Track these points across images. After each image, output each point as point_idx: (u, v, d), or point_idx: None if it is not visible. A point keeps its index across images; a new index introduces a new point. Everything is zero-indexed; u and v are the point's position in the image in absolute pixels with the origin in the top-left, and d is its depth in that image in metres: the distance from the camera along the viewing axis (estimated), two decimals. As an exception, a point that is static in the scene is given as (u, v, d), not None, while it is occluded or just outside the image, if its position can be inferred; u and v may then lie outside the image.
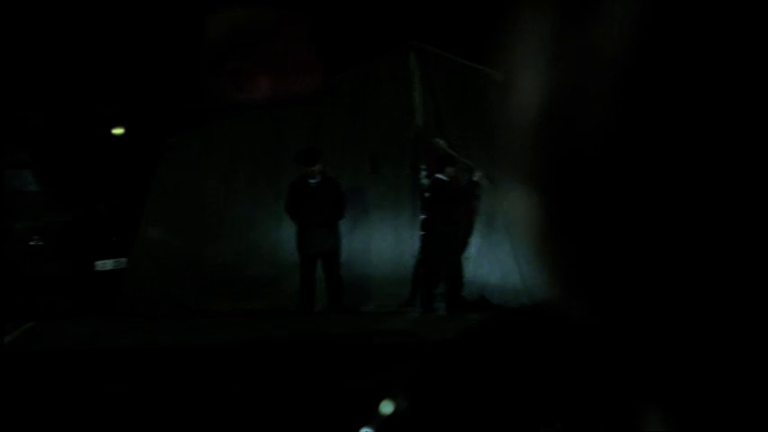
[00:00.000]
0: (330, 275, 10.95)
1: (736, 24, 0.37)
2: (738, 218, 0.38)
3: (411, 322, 10.12)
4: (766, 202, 0.37)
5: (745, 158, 0.37)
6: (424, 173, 11.80)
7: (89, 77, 12.06)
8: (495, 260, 11.02)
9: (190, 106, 11.14)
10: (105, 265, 12.43)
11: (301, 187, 10.91)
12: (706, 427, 0.41)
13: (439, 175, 11.01)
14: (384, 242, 11.50)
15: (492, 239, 11.06)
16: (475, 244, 11.22)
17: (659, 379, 0.41)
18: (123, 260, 12.06)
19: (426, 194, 11.23)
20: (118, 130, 16.28)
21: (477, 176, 10.93)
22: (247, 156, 11.67)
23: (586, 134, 0.40)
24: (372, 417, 0.90)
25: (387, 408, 0.91)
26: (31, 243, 11.96)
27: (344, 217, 11.09)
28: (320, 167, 10.87)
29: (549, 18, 0.41)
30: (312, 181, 10.92)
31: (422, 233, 11.18)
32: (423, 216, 11.36)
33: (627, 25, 0.38)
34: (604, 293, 0.41)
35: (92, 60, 12.13)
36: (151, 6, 11.06)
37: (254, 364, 6.56)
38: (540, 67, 0.41)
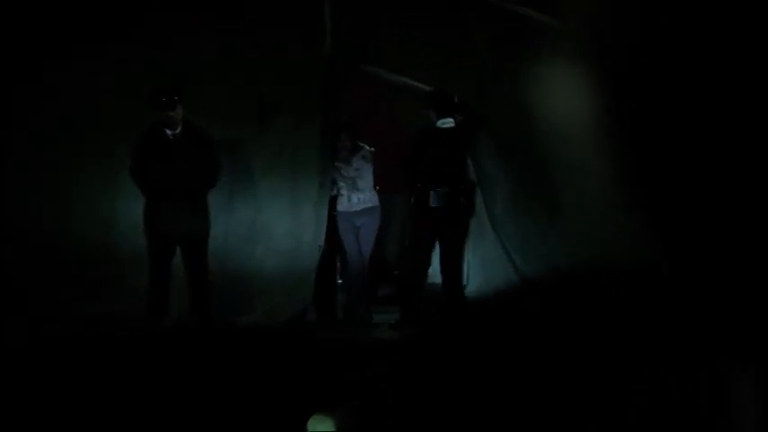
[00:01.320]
0: (193, 270, 7.39)
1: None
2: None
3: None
4: None
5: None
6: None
7: None
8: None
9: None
10: None
11: (154, 140, 7.32)
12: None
13: (443, 121, 7.72)
14: (276, 224, 8.01)
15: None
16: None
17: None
18: None
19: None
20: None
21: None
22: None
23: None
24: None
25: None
26: None
27: (216, 186, 7.52)
28: (180, 112, 7.29)
29: None
30: (170, 132, 7.34)
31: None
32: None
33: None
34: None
35: None
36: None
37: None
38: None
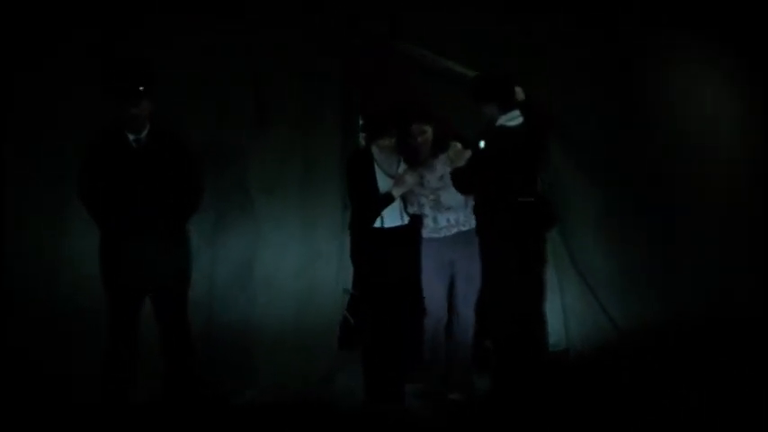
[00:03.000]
0: (168, 328, 5.43)
1: None
2: None
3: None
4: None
5: None
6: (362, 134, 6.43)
7: None
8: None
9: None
10: None
11: (110, 149, 5.32)
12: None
13: (504, 119, 5.66)
14: (282, 261, 6.10)
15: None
16: None
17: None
18: None
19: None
20: None
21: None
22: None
23: None
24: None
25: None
26: None
27: (199, 211, 5.51)
28: (148, 108, 5.30)
29: None
30: (132, 137, 5.31)
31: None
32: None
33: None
34: None
35: None
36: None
37: None
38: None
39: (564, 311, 6.39)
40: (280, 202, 6.11)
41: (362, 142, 6.68)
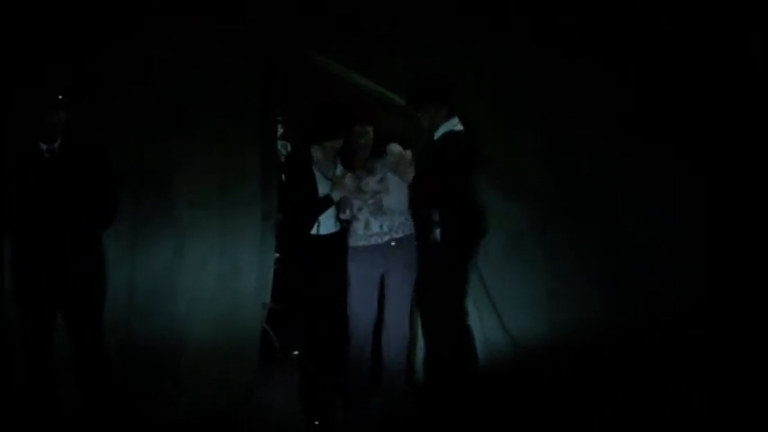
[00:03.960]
0: (83, 345, 5.18)
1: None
2: None
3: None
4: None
5: None
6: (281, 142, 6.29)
7: None
8: None
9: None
10: None
11: (25, 159, 5.09)
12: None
13: (447, 126, 5.48)
14: (203, 274, 5.80)
15: None
16: None
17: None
18: None
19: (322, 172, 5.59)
20: None
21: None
22: None
23: None
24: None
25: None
26: None
27: (115, 222, 5.25)
28: (64, 118, 5.10)
29: None
30: (47, 146, 5.07)
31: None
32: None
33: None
34: None
35: None
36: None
37: None
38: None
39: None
40: (200, 214, 5.77)
41: (283, 150, 6.53)
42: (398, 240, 5.48)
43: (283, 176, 5.62)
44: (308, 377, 5.57)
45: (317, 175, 5.52)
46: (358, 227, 5.53)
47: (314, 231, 5.48)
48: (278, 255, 6.02)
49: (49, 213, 5.03)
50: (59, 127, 5.10)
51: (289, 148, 6.61)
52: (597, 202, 5.88)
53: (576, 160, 5.89)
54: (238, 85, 5.90)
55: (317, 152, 5.53)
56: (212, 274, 5.78)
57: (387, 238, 5.49)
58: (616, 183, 5.86)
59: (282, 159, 6.35)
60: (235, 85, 5.89)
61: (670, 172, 5.78)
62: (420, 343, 5.75)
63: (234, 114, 5.90)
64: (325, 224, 5.52)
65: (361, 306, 5.52)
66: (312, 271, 5.47)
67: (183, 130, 5.82)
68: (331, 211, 5.52)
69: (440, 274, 5.42)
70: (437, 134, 5.48)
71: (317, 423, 5.51)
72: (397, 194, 5.50)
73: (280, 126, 6.37)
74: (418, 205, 5.55)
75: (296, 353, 6.03)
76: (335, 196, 5.48)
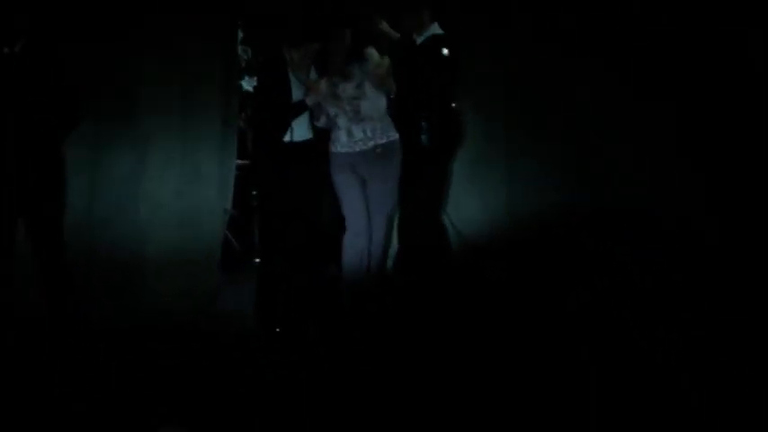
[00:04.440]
0: (45, 255, 5.03)
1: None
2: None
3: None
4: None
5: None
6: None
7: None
8: None
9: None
10: None
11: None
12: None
13: (431, 30, 5.59)
14: (164, 180, 5.74)
15: None
16: None
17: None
18: None
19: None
20: None
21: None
22: None
23: None
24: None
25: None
26: None
27: (79, 125, 5.08)
28: (27, 20, 4.89)
29: None
30: (6, 48, 4.86)
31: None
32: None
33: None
34: None
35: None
36: None
37: None
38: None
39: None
40: (160, 121, 5.67)
41: (245, 55, 6.39)
42: (383, 147, 5.41)
43: (248, 81, 5.47)
44: (271, 284, 5.54)
45: (291, 79, 5.38)
46: (341, 134, 5.43)
47: (287, 138, 5.37)
48: (244, 162, 5.93)
49: (7, 115, 4.87)
50: (21, 29, 4.92)
51: (249, 53, 6.48)
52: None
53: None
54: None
55: (292, 55, 5.38)
56: (174, 181, 5.74)
57: (371, 144, 5.40)
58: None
59: (243, 64, 6.24)
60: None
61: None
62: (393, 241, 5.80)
63: (191, 18, 5.78)
64: (299, 131, 5.41)
65: (350, 208, 5.47)
66: (285, 178, 5.38)
67: (140, 36, 5.68)
68: (304, 118, 5.41)
69: (429, 178, 5.51)
70: (421, 38, 5.46)
71: (277, 330, 5.50)
72: (373, 100, 5.40)
73: (240, 31, 6.23)
74: (407, 110, 5.52)
75: (257, 260, 5.99)
76: (310, 101, 5.37)
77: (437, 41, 5.45)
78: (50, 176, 5.02)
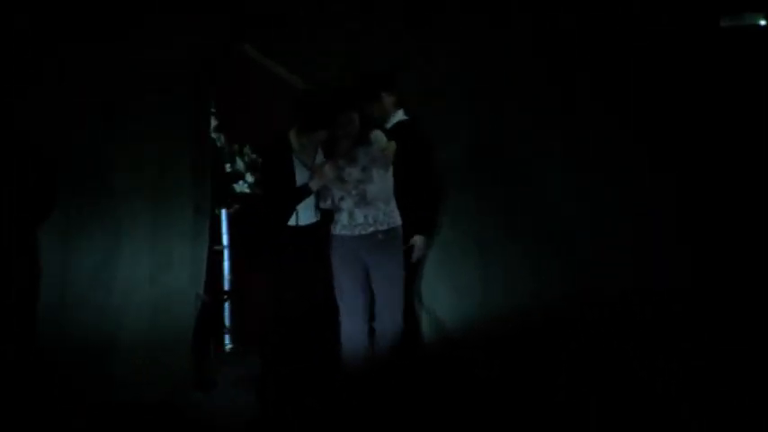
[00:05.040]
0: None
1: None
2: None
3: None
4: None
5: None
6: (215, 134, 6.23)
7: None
8: None
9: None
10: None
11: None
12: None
13: (397, 116, 5.71)
14: (136, 266, 5.72)
15: None
16: None
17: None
18: None
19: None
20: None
21: None
22: None
23: None
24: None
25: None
26: None
27: (51, 217, 5.18)
28: (27, 22, 5.26)
29: None
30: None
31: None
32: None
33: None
34: None
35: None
36: None
37: None
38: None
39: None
40: (132, 207, 5.68)
41: (219, 143, 6.47)
42: (384, 233, 5.40)
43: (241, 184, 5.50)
44: (269, 366, 5.51)
45: (296, 163, 5.41)
46: (342, 217, 5.43)
47: (292, 222, 5.38)
48: (221, 246, 5.93)
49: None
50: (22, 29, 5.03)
51: (222, 140, 6.57)
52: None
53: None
54: (168, 75, 5.82)
55: (298, 140, 5.41)
56: (145, 267, 5.72)
57: (371, 229, 5.39)
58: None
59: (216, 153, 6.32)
60: (164, 76, 5.81)
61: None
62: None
63: (167, 108, 5.82)
64: (304, 214, 5.43)
65: (349, 297, 5.44)
66: (290, 261, 5.40)
67: (111, 123, 5.73)
68: (310, 201, 5.42)
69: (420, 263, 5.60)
70: (388, 125, 5.57)
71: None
72: (379, 183, 5.40)
73: (213, 118, 6.32)
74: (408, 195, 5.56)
75: (229, 346, 6.02)
76: (314, 186, 5.37)
77: (401, 128, 5.54)
78: (21, 264, 5.07)
